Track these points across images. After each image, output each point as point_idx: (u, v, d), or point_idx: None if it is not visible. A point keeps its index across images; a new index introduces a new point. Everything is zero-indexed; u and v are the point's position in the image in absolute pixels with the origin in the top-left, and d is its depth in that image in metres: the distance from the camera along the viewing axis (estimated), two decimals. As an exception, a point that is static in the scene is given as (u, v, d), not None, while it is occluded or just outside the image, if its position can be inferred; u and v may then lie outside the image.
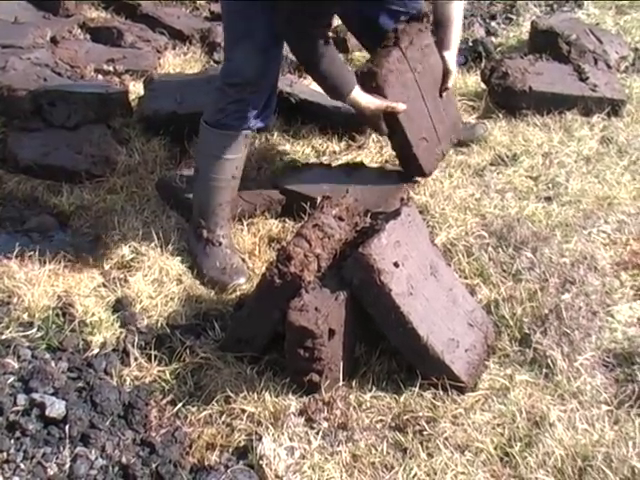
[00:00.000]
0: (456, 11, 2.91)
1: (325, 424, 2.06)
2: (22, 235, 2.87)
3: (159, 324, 2.44)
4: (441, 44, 2.92)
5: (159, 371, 2.27)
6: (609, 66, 3.92)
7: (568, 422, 2.04)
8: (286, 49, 2.66)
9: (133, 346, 2.33)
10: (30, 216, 2.95)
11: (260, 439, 2.01)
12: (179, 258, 2.71)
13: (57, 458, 1.93)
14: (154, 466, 1.95)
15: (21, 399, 2.05)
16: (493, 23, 4.67)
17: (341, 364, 2.15)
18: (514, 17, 4.69)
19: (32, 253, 2.65)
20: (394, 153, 3.00)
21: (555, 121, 3.48)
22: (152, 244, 2.72)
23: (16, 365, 2.19)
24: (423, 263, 2.24)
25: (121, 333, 2.39)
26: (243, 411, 2.10)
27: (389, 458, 1.98)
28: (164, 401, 2.17)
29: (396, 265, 2.12)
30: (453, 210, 2.83)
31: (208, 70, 3.76)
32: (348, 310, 2.14)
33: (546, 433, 2.00)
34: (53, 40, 3.96)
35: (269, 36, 2.53)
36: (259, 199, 2.91)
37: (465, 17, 4.64)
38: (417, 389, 2.14)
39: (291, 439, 2.01)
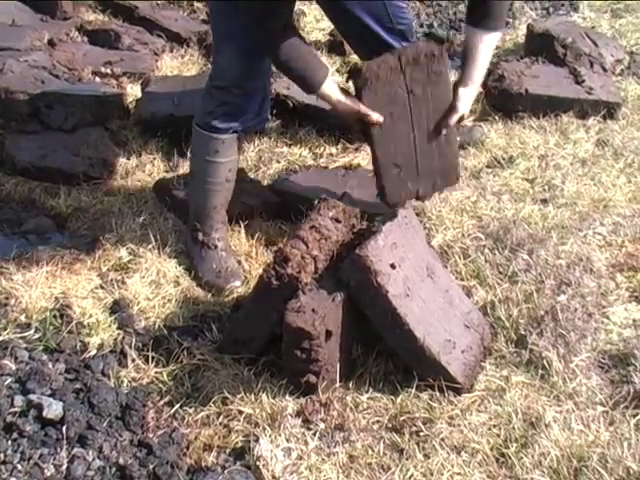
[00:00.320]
0: (484, 44, 2.54)
1: (322, 425, 2.06)
2: (19, 237, 2.87)
3: (156, 326, 2.44)
4: (460, 76, 2.58)
5: (156, 372, 2.27)
6: (605, 69, 3.94)
7: (564, 423, 2.05)
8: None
9: (130, 347, 2.33)
10: (27, 218, 2.95)
11: (257, 440, 2.01)
12: (176, 260, 2.71)
13: (54, 459, 1.93)
14: (151, 467, 1.96)
15: (18, 400, 2.05)
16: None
17: (338, 365, 2.16)
18: (510, 20, 4.70)
19: (29, 255, 2.66)
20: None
21: (551, 124, 3.50)
22: (149, 246, 2.73)
23: (13, 366, 2.19)
24: (420, 265, 2.25)
25: (118, 335, 2.39)
26: (240, 412, 2.11)
27: (386, 459, 1.98)
28: (161, 402, 2.17)
29: (393, 267, 2.13)
30: (450, 212, 2.84)
31: (205, 73, 3.76)
32: (345, 311, 2.14)
33: (542, 434, 2.01)
34: (50, 43, 3.97)
35: (251, 38, 2.45)
36: (256, 201, 2.92)
37: (461, 20, 4.66)
38: (414, 390, 2.15)
39: (288, 440, 2.02)
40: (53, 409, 2.01)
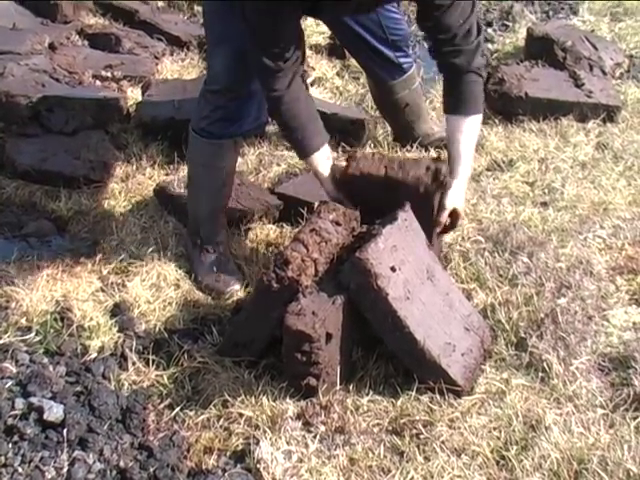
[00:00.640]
0: (464, 133, 2.41)
1: (322, 428, 2.06)
2: (20, 240, 2.88)
3: (157, 329, 2.44)
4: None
5: (157, 375, 2.27)
6: (604, 72, 3.94)
7: (564, 425, 2.05)
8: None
9: (131, 350, 2.34)
10: (28, 221, 2.96)
11: (258, 443, 2.01)
12: (177, 263, 2.72)
13: (55, 462, 1.94)
14: (152, 470, 1.96)
15: (19, 403, 2.05)
16: (489, 30, 4.68)
17: (338, 368, 2.16)
18: (510, 24, 4.71)
19: (30, 258, 2.67)
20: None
21: (551, 127, 3.50)
22: (150, 249, 2.73)
23: (14, 369, 2.19)
24: (420, 267, 2.25)
25: (119, 338, 2.39)
26: (241, 415, 2.11)
27: (386, 462, 1.99)
28: (162, 405, 2.17)
29: (393, 269, 2.13)
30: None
31: (205, 76, 3.77)
32: (345, 314, 2.15)
33: (542, 436, 2.01)
34: (51, 46, 3.97)
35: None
36: (256, 204, 2.92)
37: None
38: (414, 393, 2.15)
39: (288, 443, 2.02)
40: (54, 412, 2.02)
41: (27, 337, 2.33)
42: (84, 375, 2.21)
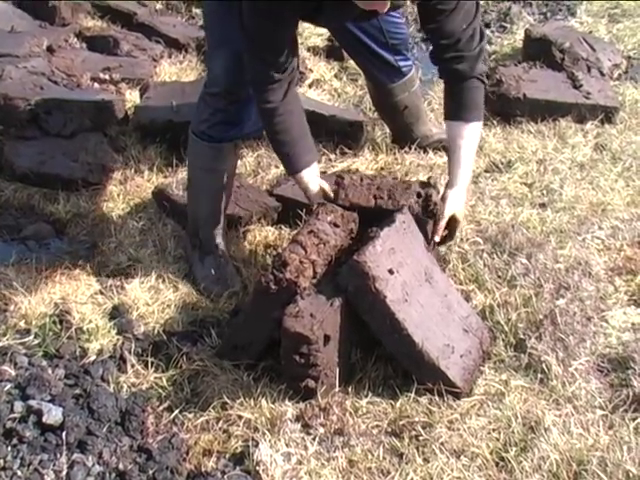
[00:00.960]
0: (465, 138, 2.39)
1: (321, 430, 2.06)
2: (19, 243, 2.88)
3: (156, 331, 2.44)
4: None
5: (156, 378, 2.27)
6: (602, 74, 3.95)
7: (563, 427, 2.05)
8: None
9: (130, 353, 2.34)
10: (27, 224, 2.96)
11: (257, 445, 2.01)
12: (175, 265, 2.72)
13: (54, 465, 1.93)
14: (151, 472, 1.96)
15: (18, 406, 2.05)
16: (487, 31, 4.69)
17: (337, 370, 2.16)
18: (508, 25, 4.71)
19: (29, 261, 2.67)
20: (389, 160, 3.01)
21: (549, 128, 3.50)
22: (148, 251, 2.74)
23: (13, 372, 2.19)
24: (418, 270, 2.25)
25: (118, 340, 2.39)
26: (240, 417, 2.11)
27: (385, 463, 1.99)
28: (161, 408, 2.17)
29: (391, 272, 2.13)
30: (448, 217, 2.83)
31: (204, 78, 3.77)
32: (343, 316, 2.15)
33: (541, 438, 2.01)
34: (49, 49, 3.97)
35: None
36: (255, 206, 2.92)
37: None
38: (413, 394, 2.15)
39: (288, 445, 2.02)
40: (53, 415, 2.02)
41: (26, 340, 2.33)
42: (83, 378, 2.21)
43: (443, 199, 2.40)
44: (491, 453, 2.00)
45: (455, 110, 2.42)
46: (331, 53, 4.22)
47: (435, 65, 2.43)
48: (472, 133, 2.41)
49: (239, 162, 2.99)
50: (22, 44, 3.88)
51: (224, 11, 2.43)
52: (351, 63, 3.98)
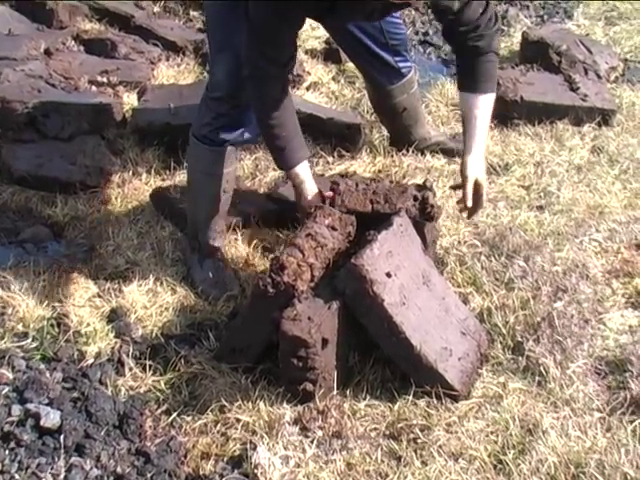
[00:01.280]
0: (480, 109, 2.49)
1: (320, 433, 2.06)
2: (16, 246, 2.87)
3: (154, 334, 2.44)
4: (463, 146, 2.53)
5: (154, 381, 2.27)
6: (599, 76, 3.95)
7: (561, 429, 2.05)
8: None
9: (128, 356, 2.34)
10: (24, 227, 2.95)
11: (255, 448, 2.02)
12: (173, 268, 2.72)
13: (52, 468, 1.93)
14: (149, 476, 1.96)
15: (16, 409, 2.05)
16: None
17: (335, 373, 2.16)
18: (505, 28, 4.71)
19: (26, 264, 2.67)
20: (387, 163, 3.01)
21: (546, 131, 3.51)
22: (146, 254, 2.74)
23: (11, 375, 2.19)
24: (415, 273, 2.25)
25: (116, 343, 2.39)
26: (238, 420, 2.11)
27: (383, 466, 1.99)
28: (159, 411, 2.17)
29: (388, 275, 2.14)
30: (446, 219, 2.84)
31: (202, 81, 3.77)
32: (341, 319, 2.15)
33: (539, 440, 2.01)
34: (47, 52, 3.96)
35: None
36: (253, 209, 2.92)
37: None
38: (411, 397, 2.15)
39: (286, 448, 2.02)
40: (50, 418, 2.02)
41: (23, 343, 2.33)
42: (81, 381, 2.21)
43: (464, 165, 2.46)
44: (489, 456, 2.00)
45: (471, 82, 2.51)
46: (329, 56, 4.22)
47: (449, 43, 2.54)
48: (487, 103, 2.51)
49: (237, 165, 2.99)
50: (20, 47, 3.88)
51: (227, 13, 2.44)
52: (349, 66, 3.99)
